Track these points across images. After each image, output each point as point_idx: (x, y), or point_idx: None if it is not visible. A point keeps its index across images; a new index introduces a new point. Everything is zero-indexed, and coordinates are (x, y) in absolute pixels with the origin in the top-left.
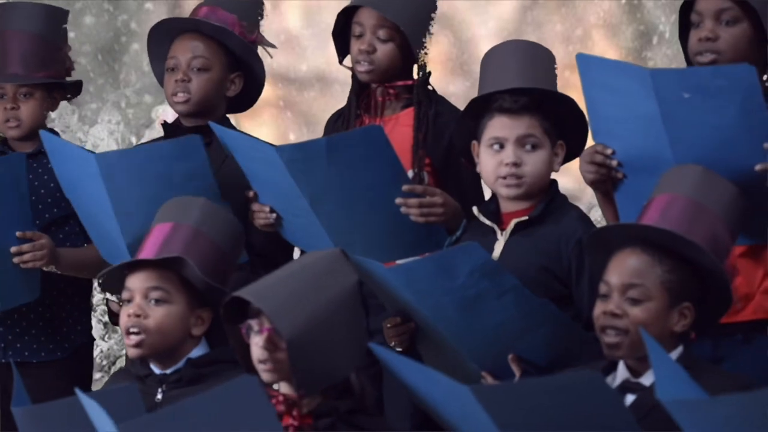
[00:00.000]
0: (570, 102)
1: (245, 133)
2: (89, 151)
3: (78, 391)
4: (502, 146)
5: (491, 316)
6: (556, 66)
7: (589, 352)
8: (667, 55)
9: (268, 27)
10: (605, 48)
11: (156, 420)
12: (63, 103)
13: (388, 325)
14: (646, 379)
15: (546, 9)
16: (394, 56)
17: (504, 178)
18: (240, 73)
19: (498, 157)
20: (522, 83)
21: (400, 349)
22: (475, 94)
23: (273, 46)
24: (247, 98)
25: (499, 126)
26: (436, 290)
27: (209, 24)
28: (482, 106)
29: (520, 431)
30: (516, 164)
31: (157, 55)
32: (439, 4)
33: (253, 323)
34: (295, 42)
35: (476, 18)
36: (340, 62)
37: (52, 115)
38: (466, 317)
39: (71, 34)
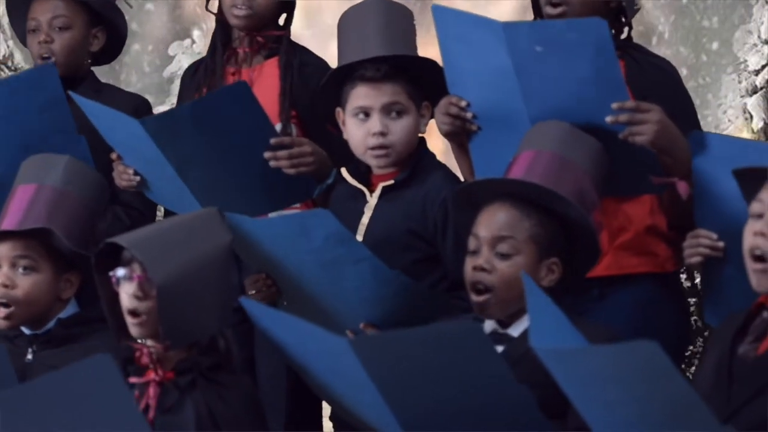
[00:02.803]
0: (432, 65)
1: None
2: None
3: None
4: (367, 115)
5: (350, 280)
6: (414, 23)
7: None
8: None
9: None
10: None
11: (7, 397)
12: None
13: (250, 282)
14: (514, 330)
15: None
16: (273, 3)
17: (373, 149)
18: (102, 27)
19: (365, 127)
20: (383, 51)
21: None
22: None
23: None
24: (110, 51)
25: (363, 95)
26: (296, 248)
27: None
28: (344, 73)
29: (394, 381)
30: (383, 133)
31: (17, 16)
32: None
33: (124, 271)
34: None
35: None
36: (207, 8)
37: None
38: (328, 276)
39: None
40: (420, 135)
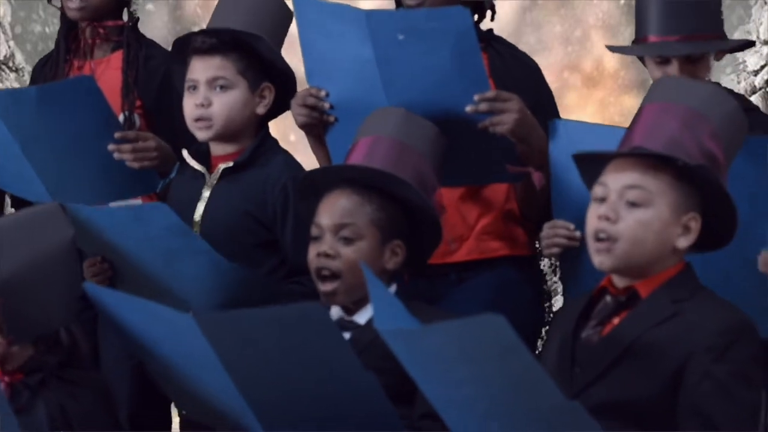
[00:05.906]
0: (265, 44)
1: None
2: None
3: None
4: (196, 88)
5: (187, 269)
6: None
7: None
8: None
9: None
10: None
11: None
12: None
13: (87, 265)
14: (360, 317)
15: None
16: None
17: (196, 121)
18: None
19: (192, 99)
20: (215, 25)
21: None
22: None
23: None
24: None
25: (192, 68)
26: (133, 236)
27: None
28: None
29: (241, 361)
30: (203, 105)
31: None
32: None
33: None
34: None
35: None
36: (50, 1)
37: None
38: (165, 264)
39: None
40: (268, 123)
